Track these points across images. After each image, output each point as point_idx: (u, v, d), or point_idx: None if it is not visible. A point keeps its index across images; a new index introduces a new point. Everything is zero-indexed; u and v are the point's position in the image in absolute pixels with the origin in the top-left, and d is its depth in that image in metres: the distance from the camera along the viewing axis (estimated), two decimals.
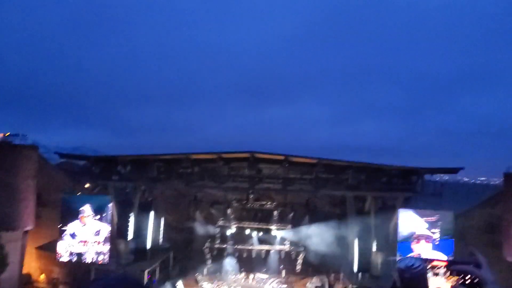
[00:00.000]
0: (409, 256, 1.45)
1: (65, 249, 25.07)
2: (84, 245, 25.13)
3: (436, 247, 22.69)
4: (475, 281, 1.33)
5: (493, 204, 24.79)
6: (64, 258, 25.08)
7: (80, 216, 25.16)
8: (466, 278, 1.35)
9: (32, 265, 26.90)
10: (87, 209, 25.25)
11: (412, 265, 1.22)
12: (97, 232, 25.21)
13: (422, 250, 22.72)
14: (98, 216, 25.38)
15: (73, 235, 25.13)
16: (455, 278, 1.38)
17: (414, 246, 23.18)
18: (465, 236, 23.77)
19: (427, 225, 23.50)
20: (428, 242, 23.04)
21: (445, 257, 21.53)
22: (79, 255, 25.06)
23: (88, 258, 25.07)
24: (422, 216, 23.81)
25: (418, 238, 23.39)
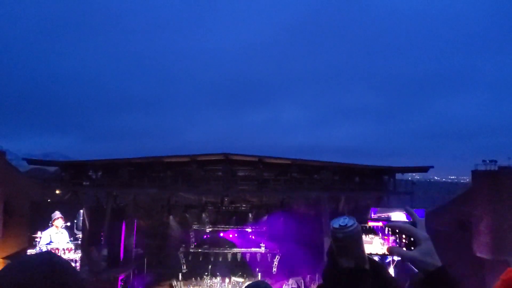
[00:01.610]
0: (343, 216, 1.43)
1: None
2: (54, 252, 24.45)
3: None
4: (411, 239, 1.33)
5: (463, 201, 25.38)
6: None
7: (52, 221, 24.47)
8: (402, 236, 1.35)
9: None
10: (58, 215, 24.61)
11: (346, 224, 1.19)
12: (68, 239, 24.59)
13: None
14: (69, 223, 24.78)
15: (49, 243, 24.39)
16: (391, 237, 1.36)
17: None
18: (437, 233, 24.22)
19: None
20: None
21: None
22: None
23: None
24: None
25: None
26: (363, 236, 1.29)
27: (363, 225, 1.39)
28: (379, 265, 1.27)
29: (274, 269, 29.43)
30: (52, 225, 24.45)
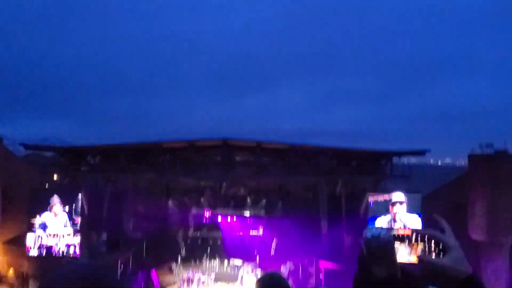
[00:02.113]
0: (376, 226, 1.46)
1: (34, 243, 24.48)
2: (54, 237, 24.61)
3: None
4: (440, 246, 1.34)
5: (459, 185, 25.59)
6: (34, 251, 24.51)
7: (50, 206, 24.54)
8: (431, 244, 1.36)
9: (0, 259, 26.26)
10: (56, 201, 24.69)
11: (379, 234, 1.22)
12: (66, 224, 24.72)
13: (398, 211, 23.44)
14: (68, 208, 24.89)
15: (44, 227, 24.50)
16: (420, 245, 1.37)
17: (391, 209, 23.76)
18: (432, 217, 24.45)
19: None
20: (402, 204, 23.72)
21: (417, 221, 22.49)
22: (49, 248, 24.54)
23: (58, 252, 24.59)
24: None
25: (393, 203, 23.99)
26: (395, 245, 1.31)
27: (394, 229, 1.41)
28: (410, 274, 1.28)
29: (272, 252, 29.78)
30: (51, 211, 24.53)
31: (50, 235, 24.47)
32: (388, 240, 1.22)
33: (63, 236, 24.67)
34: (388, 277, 1.22)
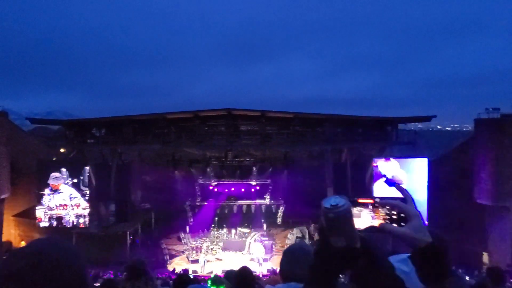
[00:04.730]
0: (333, 196, 1.44)
1: (44, 214, 24.94)
2: (63, 208, 25.03)
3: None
4: (401, 215, 1.34)
5: (465, 149, 25.50)
6: (44, 223, 24.99)
7: (55, 182, 24.89)
8: (393, 213, 1.36)
9: (11, 232, 26.80)
10: (63, 174, 25.00)
11: (337, 204, 1.19)
12: (75, 196, 25.10)
13: (390, 169, 23.94)
14: (76, 180, 25.21)
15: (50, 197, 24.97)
16: (379, 213, 1.37)
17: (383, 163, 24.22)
18: (439, 181, 24.53)
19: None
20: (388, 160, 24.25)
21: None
22: (59, 219, 25.01)
23: (69, 222, 25.06)
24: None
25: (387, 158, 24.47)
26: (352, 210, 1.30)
27: (354, 199, 1.40)
28: (370, 243, 1.28)
29: (279, 220, 30.14)
30: (51, 188, 24.90)
31: (57, 206, 24.90)
32: (346, 209, 1.19)
33: (72, 207, 25.10)
34: (347, 247, 1.21)
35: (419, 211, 1.36)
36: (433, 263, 1.29)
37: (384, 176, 24.12)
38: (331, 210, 1.21)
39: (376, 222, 1.38)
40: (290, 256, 2.67)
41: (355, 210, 1.38)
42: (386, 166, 24.34)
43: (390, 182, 23.50)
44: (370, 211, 1.39)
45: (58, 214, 24.99)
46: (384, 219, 1.37)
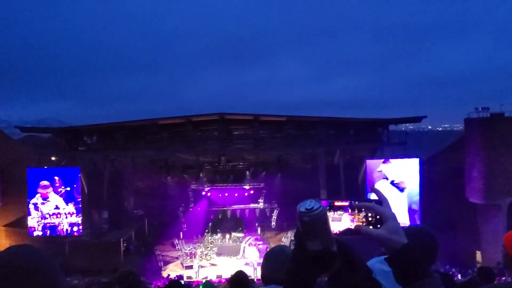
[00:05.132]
0: (309, 199, 1.45)
1: (37, 223, 24.71)
2: (57, 217, 24.83)
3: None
4: (377, 217, 1.35)
5: (455, 149, 25.69)
6: (37, 232, 24.74)
7: (43, 190, 24.68)
8: (369, 215, 1.36)
9: (2, 242, 26.48)
10: (45, 186, 24.75)
11: (312, 208, 1.21)
12: (67, 203, 24.92)
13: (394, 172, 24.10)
14: (68, 188, 25.04)
15: (36, 207, 24.70)
16: (358, 216, 1.37)
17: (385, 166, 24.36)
18: (430, 181, 24.69)
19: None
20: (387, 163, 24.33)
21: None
22: (53, 227, 24.78)
23: (62, 231, 24.85)
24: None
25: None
26: (332, 214, 1.32)
27: (331, 201, 1.41)
28: (346, 246, 1.29)
29: (273, 223, 30.10)
30: (42, 193, 24.67)
31: (50, 215, 24.68)
32: (321, 213, 1.20)
33: (66, 215, 24.91)
34: (323, 251, 1.22)
35: (394, 213, 1.36)
36: (409, 264, 1.29)
37: (386, 178, 24.20)
38: (306, 213, 1.22)
39: (354, 225, 1.38)
40: (270, 259, 2.68)
41: (335, 214, 1.39)
42: (389, 169, 24.44)
43: (398, 187, 23.83)
44: (349, 214, 1.40)
45: (52, 223, 24.79)
46: (361, 221, 1.37)
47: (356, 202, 1.38)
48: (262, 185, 29.72)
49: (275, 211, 29.68)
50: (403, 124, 30.52)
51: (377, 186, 24.22)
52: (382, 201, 1.38)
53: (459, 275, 17.15)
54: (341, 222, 1.39)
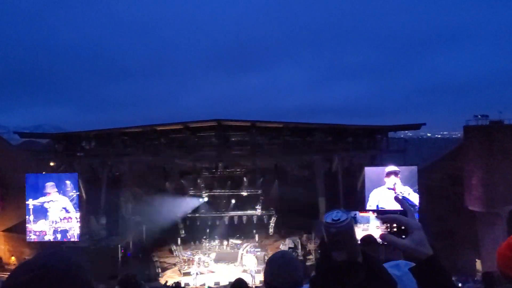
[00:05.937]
0: (335, 210, 1.43)
1: (48, 227, 24.46)
2: (68, 221, 24.62)
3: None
4: (402, 228, 1.36)
5: (455, 156, 25.69)
6: (49, 236, 24.45)
7: (46, 192, 24.51)
8: (393, 225, 1.38)
9: (0, 248, 26.38)
10: (52, 187, 24.65)
11: (339, 219, 1.19)
12: (65, 209, 24.75)
13: (393, 183, 23.75)
14: (66, 194, 24.89)
15: (41, 210, 24.49)
16: (383, 226, 1.38)
17: (385, 180, 24.00)
18: (429, 188, 24.67)
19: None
20: (397, 177, 23.94)
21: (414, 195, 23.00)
22: (63, 232, 24.48)
23: (73, 236, 24.62)
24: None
25: (388, 173, 24.18)
26: (360, 225, 1.32)
27: (355, 213, 1.41)
28: (372, 258, 1.29)
29: (271, 230, 30.01)
30: (46, 195, 24.46)
31: (53, 221, 24.40)
32: (347, 224, 1.20)
33: (63, 222, 24.74)
34: (349, 262, 1.21)
35: (419, 224, 1.36)
36: (435, 275, 1.30)
37: (392, 189, 24.04)
38: (333, 225, 1.22)
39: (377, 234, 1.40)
40: (272, 265, 2.68)
41: (364, 226, 1.41)
42: (396, 181, 24.28)
43: (406, 202, 23.59)
44: (381, 224, 1.41)
45: (63, 227, 24.51)
46: (386, 231, 1.39)
47: (382, 214, 1.39)
48: (259, 191, 29.68)
49: (273, 218, 29.61)
50: (402, 131, 30.57)
51: (376, 191, 24.18)
52: (407, 211, 1.39)
53: (460, 284, 17.06)
54: (368, 231, 1.42)
